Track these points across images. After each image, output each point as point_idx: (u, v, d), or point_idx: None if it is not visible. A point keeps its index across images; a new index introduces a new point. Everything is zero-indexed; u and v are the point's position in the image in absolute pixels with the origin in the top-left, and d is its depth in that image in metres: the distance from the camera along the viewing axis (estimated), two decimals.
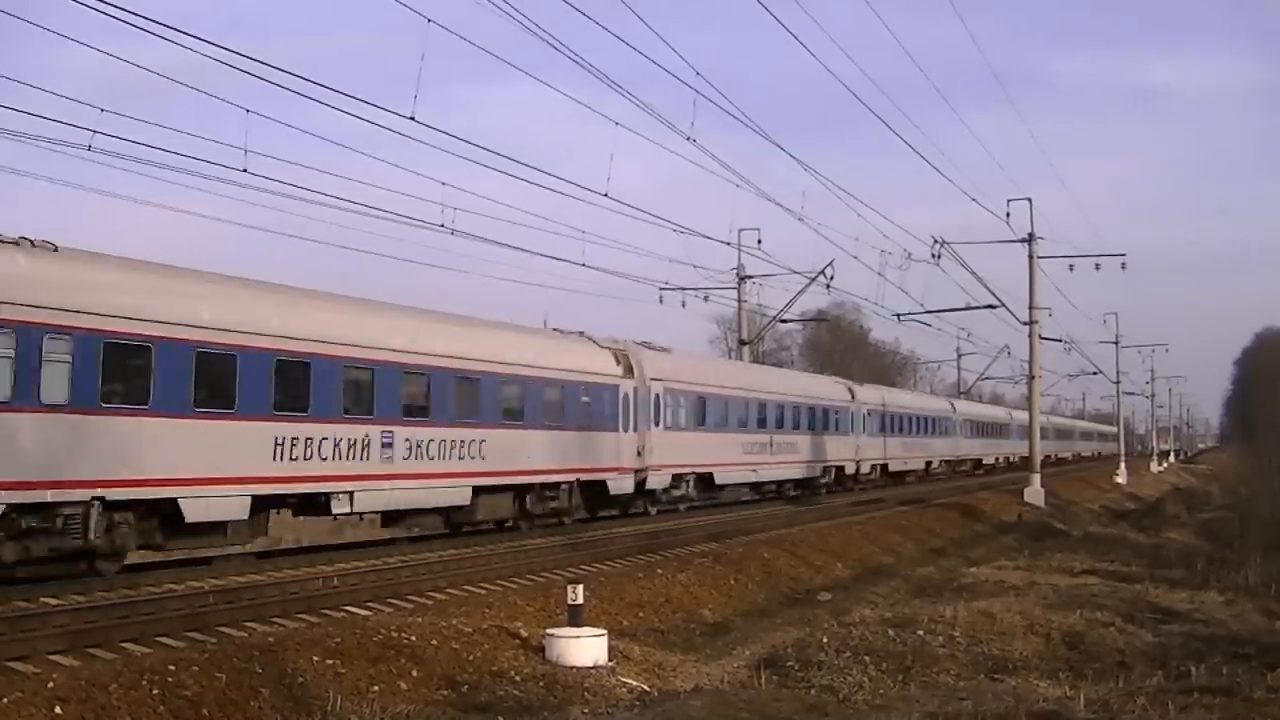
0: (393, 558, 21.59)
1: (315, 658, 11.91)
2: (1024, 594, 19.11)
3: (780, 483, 41.00)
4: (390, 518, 23.77)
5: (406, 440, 21.93)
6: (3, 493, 14.86)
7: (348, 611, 15.26)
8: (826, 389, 46.59)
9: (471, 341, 24.56)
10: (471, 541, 24.10)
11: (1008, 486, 51.23)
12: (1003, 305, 46.44)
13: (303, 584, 17.37)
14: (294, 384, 19.55)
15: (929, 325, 53.06)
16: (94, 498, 16.05)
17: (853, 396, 47.65)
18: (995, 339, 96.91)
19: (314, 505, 20.78)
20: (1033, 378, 48.27)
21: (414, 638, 13.00)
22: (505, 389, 25.10)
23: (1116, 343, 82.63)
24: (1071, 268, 47.38)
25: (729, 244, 42.83)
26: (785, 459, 40.19)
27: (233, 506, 18.40)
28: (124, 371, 16.69)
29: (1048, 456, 66.28)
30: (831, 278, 44.03)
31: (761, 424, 38.38)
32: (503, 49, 73.55)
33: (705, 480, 34.72)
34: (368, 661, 12.13)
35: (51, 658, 11.56)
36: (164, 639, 12.73)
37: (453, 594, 17.25)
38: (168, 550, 18.35)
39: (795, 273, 45.60)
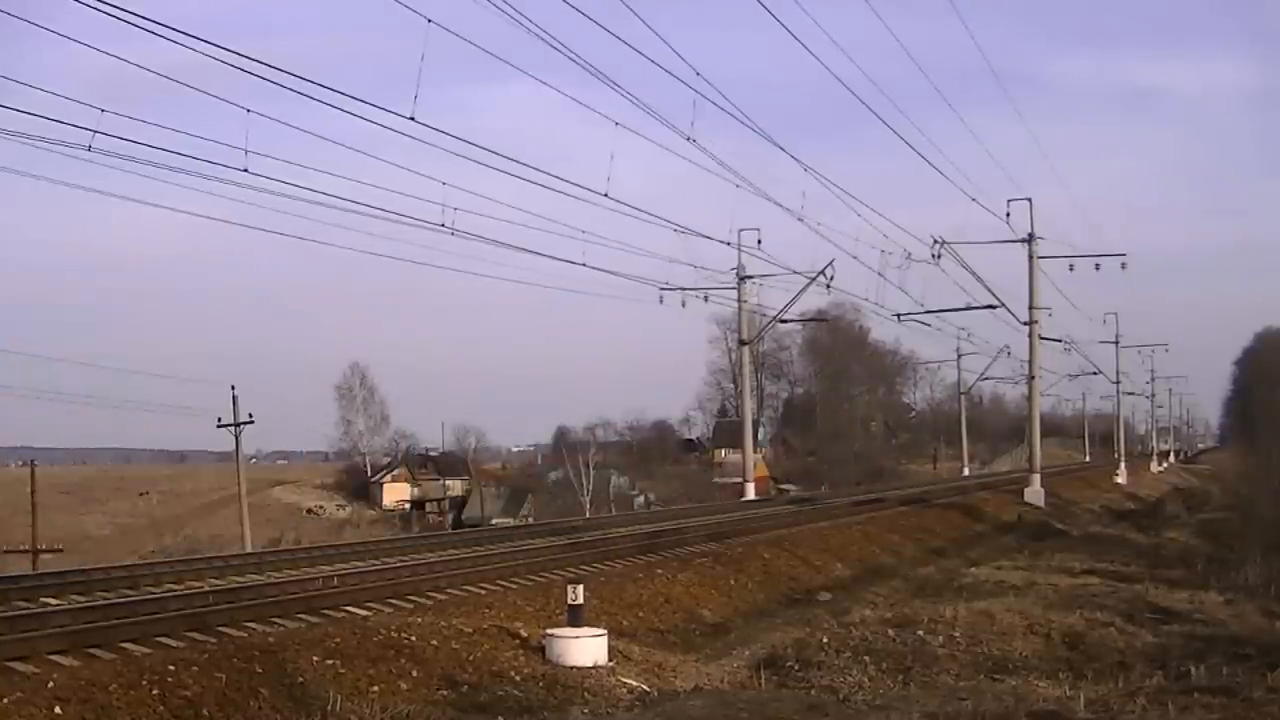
0: (393, 558, 21.60)
1: (315, 658, 11.91)
2: (1024, 594, 19.11)
3: None
4: None
5: None
6: None
7: (348, 611, 15.25)
8: None
9: None
10: (471, 541, 24.10)
11: (1008, 486, 51.28)
12: (1003, 305, 46.47)
13: (303, 584, 17.37)
14: None
15: (929, 325, 52.93)
16: None
17: None
18: (995, 339, 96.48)
19: None
20: (1033, 378, 48.28)
21: (414, 638, 13.00)
22: None
23: (1116, 343, 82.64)
24: (1071, 268, 47.38)
25: (729, 244, 42.82)
26: None
27: None
28: None
29: None
30: (831, 278, 43.98)
31: None
32: (503, 49, 73.36)
33: None
34: (368, 661, 12.13)
35: (51, 658, 11.55)
36: (164, 639, 12.71)
37: (453, 594, 17.25)
38: None
39: (795, 273, 45.57)
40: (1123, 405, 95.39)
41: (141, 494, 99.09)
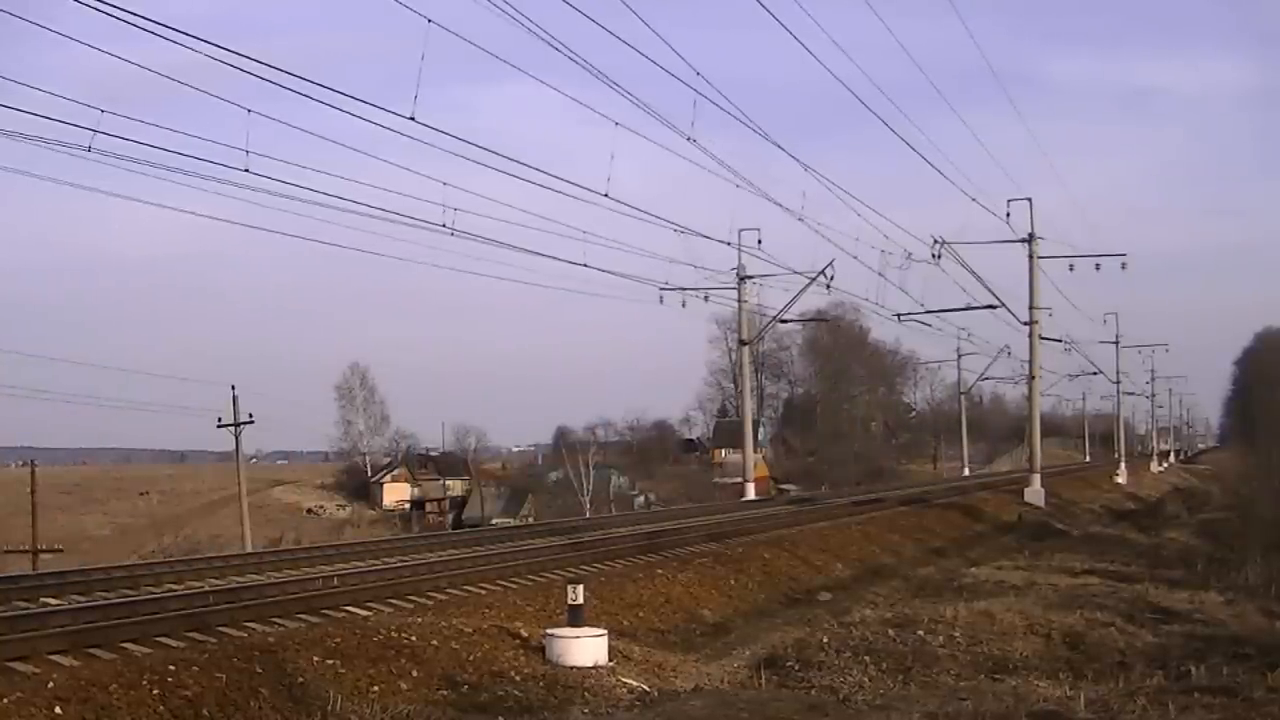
0: (393, 558, 21.59)
1: (315, 658, 11.91)
2: (1024, 594, 19.10)
3: None
4: None
5: None
6: None
7: (348, 611, 15.25)
8: None
9: None
10: (471, 541, 24.10)
11: (1008, 486, 51.27)
12: (1003, 305, 46.47)
13: (303, 584, 17.37)
14: None
15: (929, 325, 52.88)
16: None
17: None
18: (995, 339, 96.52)
19: None
20: (1033, 378, 48.29)
21: (414, 638, 13.00)
22: None
23: (1116, 343, 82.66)
24: (1071, 268, 47.38)
25: (729, 244, 42.85)
26: None
27: None
28: None
29: None
30: (831, 278, 43.98)
31: None
32: (502, 49, 73.35)
33: None
34: (368, 661, 12.13)
35: (51, 658, 11.55)
36: (164, 639, 12.71)
37: (453, 594, 17.25)
38: None
39: (795, 273, 45.57)
40: (1123, 405, 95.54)
41: (141, 494, 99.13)
